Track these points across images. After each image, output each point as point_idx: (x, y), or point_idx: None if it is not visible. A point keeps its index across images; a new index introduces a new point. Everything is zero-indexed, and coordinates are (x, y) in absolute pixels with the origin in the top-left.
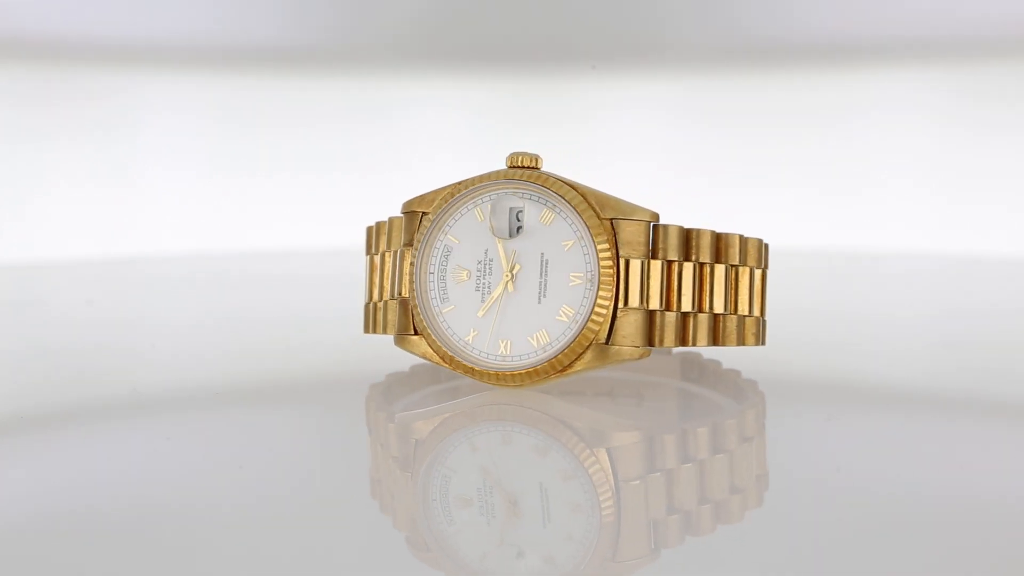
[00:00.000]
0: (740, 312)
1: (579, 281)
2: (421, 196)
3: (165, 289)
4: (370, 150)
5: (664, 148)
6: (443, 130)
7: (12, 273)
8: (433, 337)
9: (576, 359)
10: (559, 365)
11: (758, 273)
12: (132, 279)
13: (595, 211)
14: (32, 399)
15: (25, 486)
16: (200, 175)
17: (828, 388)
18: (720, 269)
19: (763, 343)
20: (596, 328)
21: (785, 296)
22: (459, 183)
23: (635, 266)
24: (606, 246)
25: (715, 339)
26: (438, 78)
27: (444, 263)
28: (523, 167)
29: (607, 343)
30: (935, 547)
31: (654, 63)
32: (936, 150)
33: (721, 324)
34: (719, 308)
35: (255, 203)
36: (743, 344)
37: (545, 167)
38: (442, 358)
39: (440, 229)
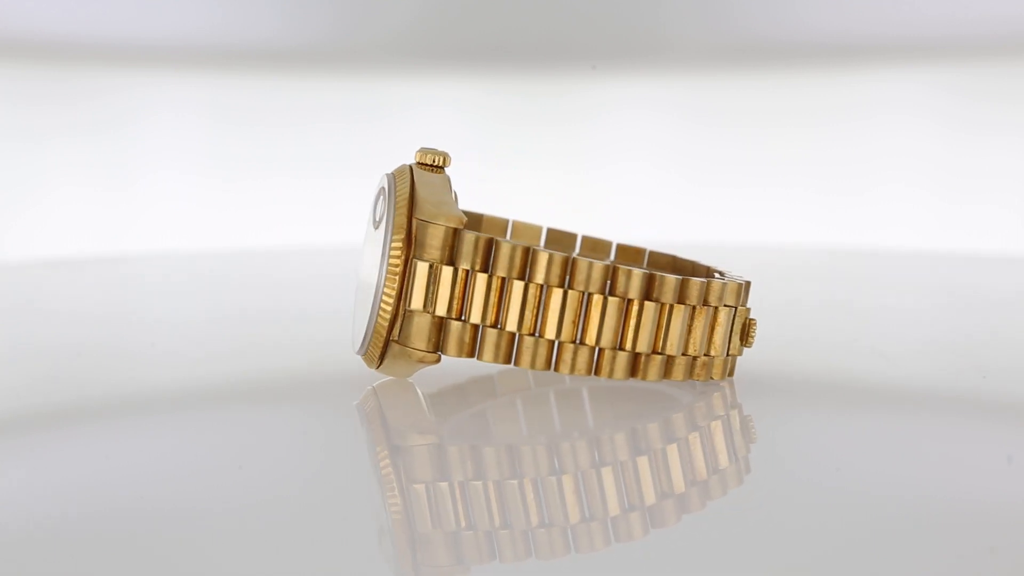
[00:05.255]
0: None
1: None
2: None
3: (164, 288)
4: (370, 150)
5: (663, 148)
6: (443, 130)
7: (12, 273)
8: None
9: (382, 354)
10: (373, 357)
11: (679, 310)
12: (131, 278)
13: (409, 211)
14: (31, 398)
15: (22, 486)
16: (200, 175)
17: (826, 386)
18: (517, 286)
19: (697, 378)
20: (384, 325)
21: (784, 294)
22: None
23: (422, 269)
24: (398, 246)
25: (507, 357)
26: (438, 78)
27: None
28: (423, 163)
29: (398, 341)
30: (931, 548)
31: (654, 63)
32: (936, 150)
33: (521, 343)
34: (551, 334)
35: (255, 203)
36: (641, 378)
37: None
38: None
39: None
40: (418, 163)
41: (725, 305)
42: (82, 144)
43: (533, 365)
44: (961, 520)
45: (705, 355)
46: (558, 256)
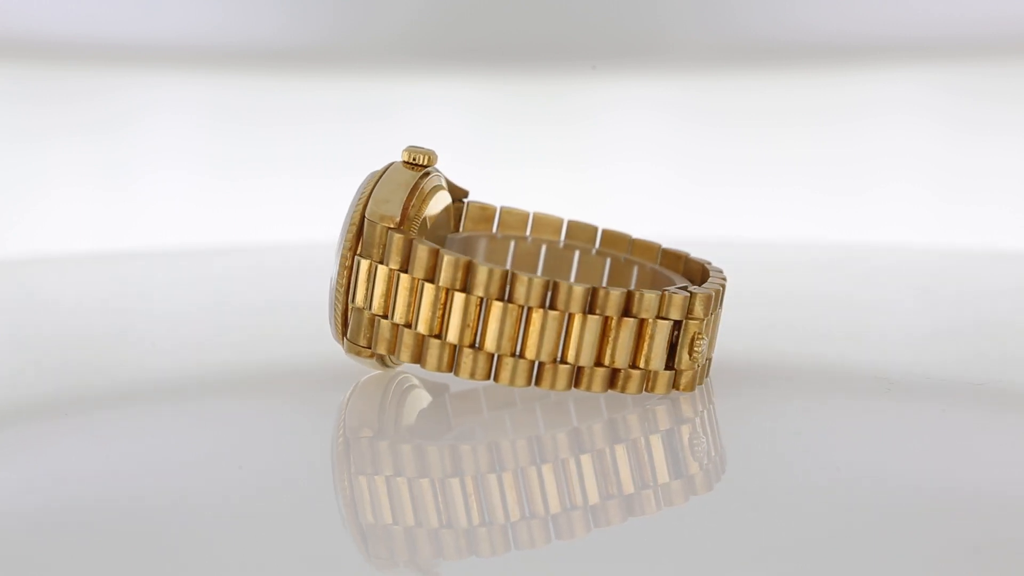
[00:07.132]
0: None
1: None
2: None
3: (165, 287)
4: (370, 150)
5: (663, 148)
6: (443, 130)
7: (12, 271)
8: None
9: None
10: (343, 350)
11: (592, 320)
12: (131, 277)
13: (363, 209)
14: (31, 396)
15: (17, 480)
16: (200, 175)
17: (824, 383)
18: (428, 288)
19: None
20: (338, 320)
21: (783, 293)
22: None
23: (364, 266)
24: (349, 244)
25: (417, 358)
26: (438, 78)
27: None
28: (406, 162)
29: (347, 337)
30: (926, 542)
31: (654, 63)
32: (936, 150)
33: (427, 345)
34: (453, 337)
35: (255, 203)
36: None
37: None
38: None
39: None
40: (403, 161)
41: (662, 318)
42: (82, 144)
43: (439, 367)
44: (955, 514)
45: (634, 367)
46: (462, 260)
